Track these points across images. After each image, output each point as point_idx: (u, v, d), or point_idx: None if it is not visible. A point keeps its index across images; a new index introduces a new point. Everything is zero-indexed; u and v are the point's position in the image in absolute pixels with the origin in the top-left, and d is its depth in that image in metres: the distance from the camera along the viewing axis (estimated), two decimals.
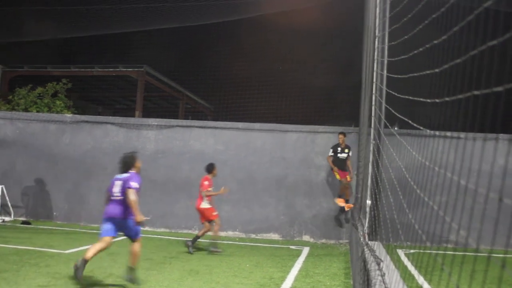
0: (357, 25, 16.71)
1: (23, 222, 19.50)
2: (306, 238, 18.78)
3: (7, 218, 19.86)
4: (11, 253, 13.06)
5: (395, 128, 5.88)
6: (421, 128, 3.91)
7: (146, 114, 30.10)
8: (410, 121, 4.27)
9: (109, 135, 20.31)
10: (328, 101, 32.12)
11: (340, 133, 18.23)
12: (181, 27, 26.44)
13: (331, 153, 18.11)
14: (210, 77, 33.22)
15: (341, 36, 27.59)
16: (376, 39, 7.76)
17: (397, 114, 5.31)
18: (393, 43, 6.07)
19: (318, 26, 29.26)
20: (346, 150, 18.05)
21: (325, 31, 30.00)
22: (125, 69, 28.68)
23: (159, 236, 18.01)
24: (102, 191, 19.77)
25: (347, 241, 17.95)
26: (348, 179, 17.79)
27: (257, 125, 19.80)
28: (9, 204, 19.94)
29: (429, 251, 4.27)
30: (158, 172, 19.58)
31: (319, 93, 31.84)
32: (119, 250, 13.98)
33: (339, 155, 18.04)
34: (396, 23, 5.66)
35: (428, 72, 3.40)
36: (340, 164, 17.97)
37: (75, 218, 20.11)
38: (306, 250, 16.41)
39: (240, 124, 19.93)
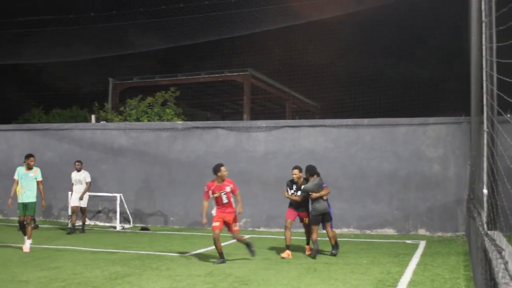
0: (463, 11, 16.31)
1: (142, 228, 20.22)
2: (421, 232, 18.48)
3: (126, 225, 20.65)
4: (133, 258, 13.58)
5: (508, 115, 5.74)
6: None
7: (253, 116, 30.47)
8: None
9: (219, 139, 20.69)
10: (435, 92, 31.54)
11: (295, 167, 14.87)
12: (282, 27, 26.59)
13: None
14: (315, 76, 33.18)
15: (447, 25, 27.01)
16: (483, 25, 7.58)
17: (510, 100, 5.19)
18: (501, 27, 5.94)
19: (422, 17, 28.82)
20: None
21: (429, 20, 29.50)
22: (231, 74, 29.17)
23: (273, 236, 18.23)
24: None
25: (464, 233, 17.56)
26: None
27: (365, 121, 19.66)
28: (128, 212, 20.70)
29: None
30: (269, 173, 19.76)
31: (426, 85, 31.33)
32: (236, 252, 14.24)
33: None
34: (504, 7, 5.54)
35: None
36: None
37: (191, 223, 20.61)
38: (422, 244, 16.18)
39: (349, 121, 19.84)
